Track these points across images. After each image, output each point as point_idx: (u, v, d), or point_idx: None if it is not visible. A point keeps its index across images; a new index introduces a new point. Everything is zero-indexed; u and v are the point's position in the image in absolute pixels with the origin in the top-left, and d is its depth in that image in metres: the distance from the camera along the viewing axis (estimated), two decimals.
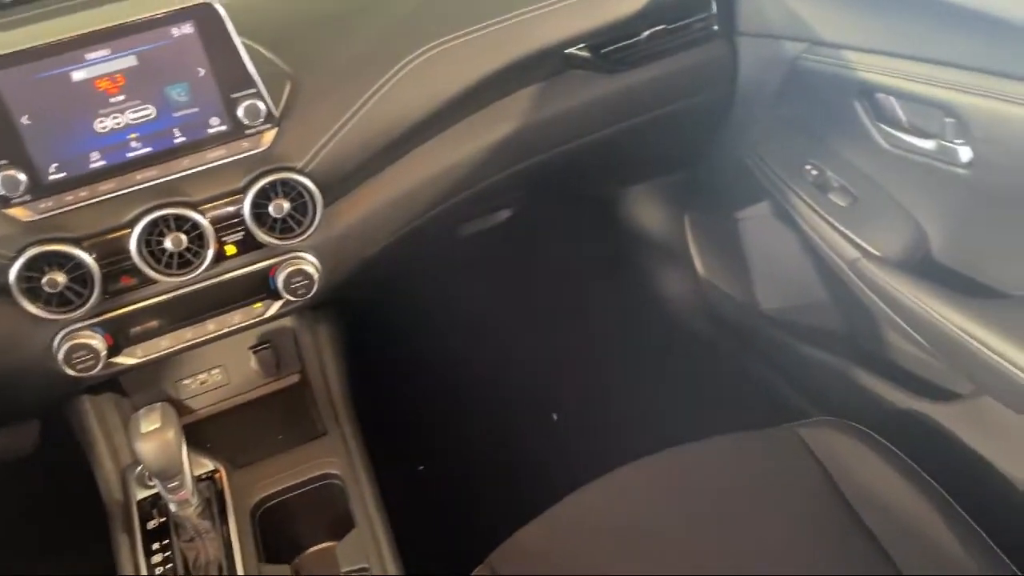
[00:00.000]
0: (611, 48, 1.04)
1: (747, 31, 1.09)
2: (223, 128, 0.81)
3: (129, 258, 0.80)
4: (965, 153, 0.89)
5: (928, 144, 0.93)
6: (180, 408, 1.01)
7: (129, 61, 0.77)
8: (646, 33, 1.04)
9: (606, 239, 1.52)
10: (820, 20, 0.99)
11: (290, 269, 0.88)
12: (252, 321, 0.92)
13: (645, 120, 1.13)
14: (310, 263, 0.89)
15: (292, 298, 0.89)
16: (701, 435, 0.95)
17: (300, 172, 0.84)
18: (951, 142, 0.90)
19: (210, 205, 0.82)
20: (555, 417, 1.41)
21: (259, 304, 0.91)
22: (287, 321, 1.02)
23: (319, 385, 1.05)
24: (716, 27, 1.09)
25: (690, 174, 1.41)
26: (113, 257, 0.80)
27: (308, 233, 0.86)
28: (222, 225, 0.83)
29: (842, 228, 1.03)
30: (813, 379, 1.24)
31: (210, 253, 0.82)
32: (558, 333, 1.50)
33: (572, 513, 0.89)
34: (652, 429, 1.03)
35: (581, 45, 1.02)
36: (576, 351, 1.49)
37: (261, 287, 0.90)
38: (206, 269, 0.83)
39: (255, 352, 1.01)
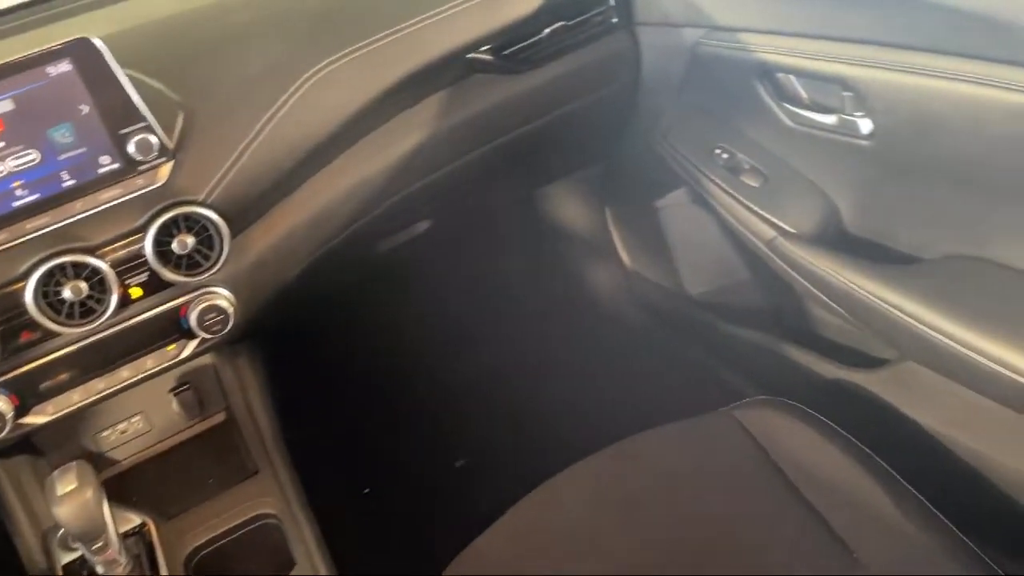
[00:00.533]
0: (513, 49, 1.03)
1: (646, 21, 1.09)
2: (115, 166, 0.77)
3: (27, 312, 0.75)
4: (866, 125, 0.91)
5: (830, 119, 0.95)
6: (101, 462, 0.96)
7: (5, 106, 0.74)
8: (547, 31, 1.04)
9: (530, 240, 1.52)
10: (716, 5, 1.00)
11: (202, 306, 0.84)
12: (168, 364, 0.88)
13: (555, 117, 1.13)
14: (223, 297, 0.86)
15: (208, 335, 0.86)
16: (645, 426, 0.96)
17: (202, 204, 0.81)
18: (851, 115, 0.92)
19: (109, 248, 0.79)
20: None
21: (173, 346, 0.87)
22: (206, 358, 0.98)
23: (246, 422, 1.01)
24: (615, 19, 1.10)
25: (606, 167, 1.41)
26: (10, 312, 0.76)
27: (217, 267, 0.83)
28: (124, 267, 0.80)
29: (756, 209, 1.04)
30: (747, 359, 1.26)
31: (114, 298, 0.78)
32: (490, 339, 1.49)
33: (524, 520, 0.88)
34: (595, 425, 1.03)
35: (483, 48, 1.01)
36: (510, 355, 1.48)
37: (173, 328, 0.86)
38: (111, 315, 0.79)
39: (176, 394, 0.97)
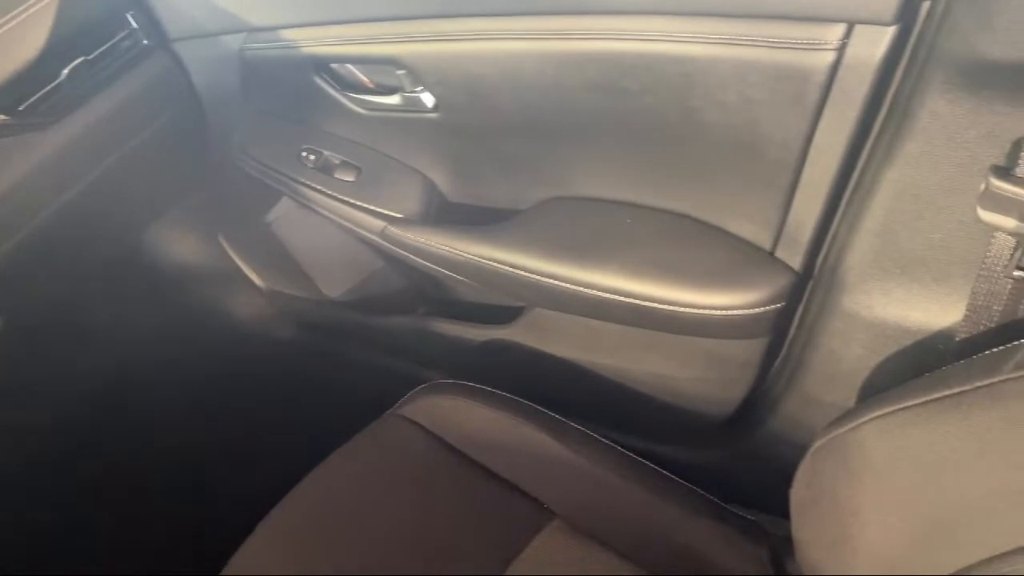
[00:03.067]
0: (31, 101, 0.88)
1: (180, 36, 0.99)
2: None
3: None
4: (428, 99, 0.91)
5: (395, 99, 0.93)
6: None
7: None
8: (65, 72, 0.90)
9: (148, 294, 1.35)
10: (244, 7, 0.93)
11: None
12: None
13: (118, 158, 0.99)
14: None
15: None
16: (337, 443, 0.92)
17: None
18: (412, 92, 0.91)
19: None
20: None
21: None
22: None
23: None
24: (146, 41, 0.98)
25: (206, 193, 1.29)
26: None
27: None
28: None
29: (359, 203, 1.01)
30: (407, 345, 1.24)
31: None
32: (139, 416, 1.31)
33: None
34: (288, 467, 0.94)
35: None
36: (172, 423, 1.32)
37: None
38: None
39: None
